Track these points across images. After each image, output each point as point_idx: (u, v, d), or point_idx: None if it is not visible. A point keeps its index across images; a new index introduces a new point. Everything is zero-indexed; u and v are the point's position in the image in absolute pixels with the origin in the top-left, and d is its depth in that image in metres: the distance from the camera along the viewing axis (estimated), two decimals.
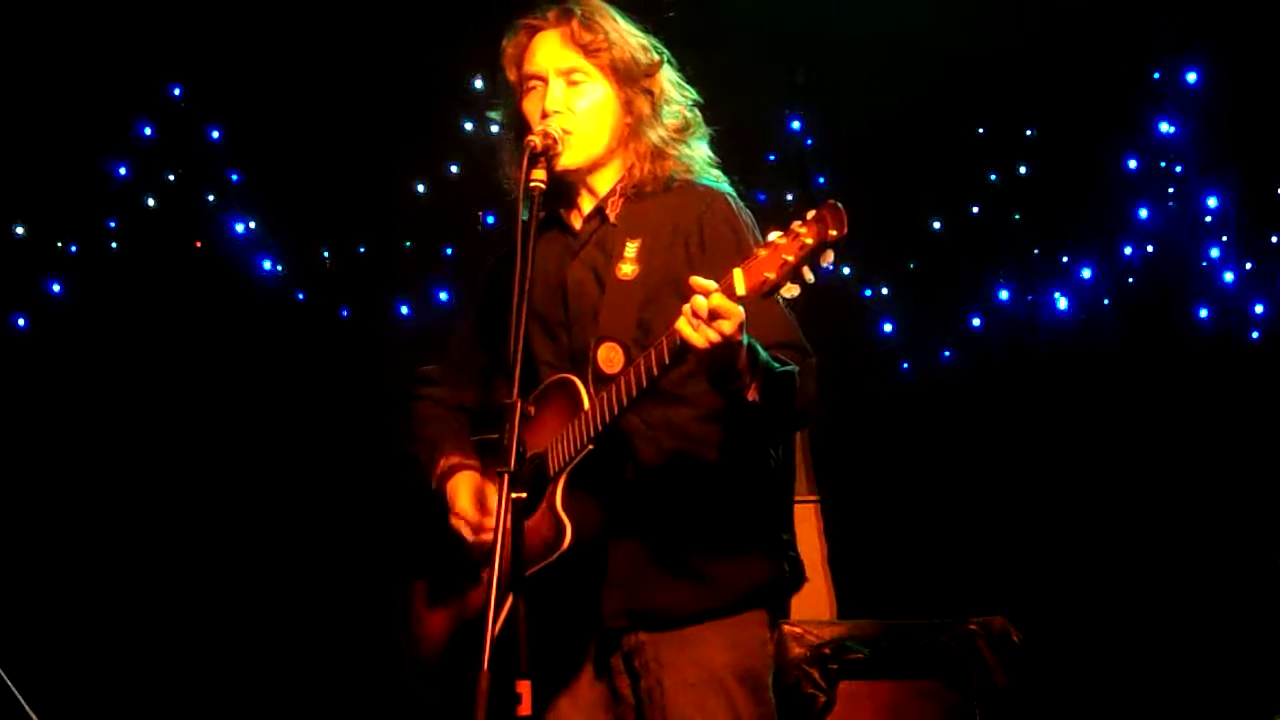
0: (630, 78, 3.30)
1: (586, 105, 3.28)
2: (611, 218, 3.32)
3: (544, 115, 3.24)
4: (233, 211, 5.93)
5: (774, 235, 2.83)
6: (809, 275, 2.79)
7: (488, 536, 3.22)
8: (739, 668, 3.19)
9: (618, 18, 3.36)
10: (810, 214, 2.79)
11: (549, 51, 3.30)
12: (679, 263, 3.22)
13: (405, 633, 3.49)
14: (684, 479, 3.20)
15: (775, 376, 3.02)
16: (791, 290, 2.82)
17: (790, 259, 2.79)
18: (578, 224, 3.37)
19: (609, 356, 3.17)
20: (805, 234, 2.78)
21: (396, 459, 3.57)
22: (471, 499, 3.30)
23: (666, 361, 2.96)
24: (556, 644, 3.23)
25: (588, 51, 3.28)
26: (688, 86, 3.42)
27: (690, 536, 3.19)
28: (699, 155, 3.38)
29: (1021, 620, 5.35)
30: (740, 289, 2.83)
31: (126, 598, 5.76)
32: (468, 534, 3.29)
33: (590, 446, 3.08)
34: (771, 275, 2.80)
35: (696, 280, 2.88)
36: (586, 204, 3.37)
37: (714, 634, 3.19)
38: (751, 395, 3.00)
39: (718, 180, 3.40)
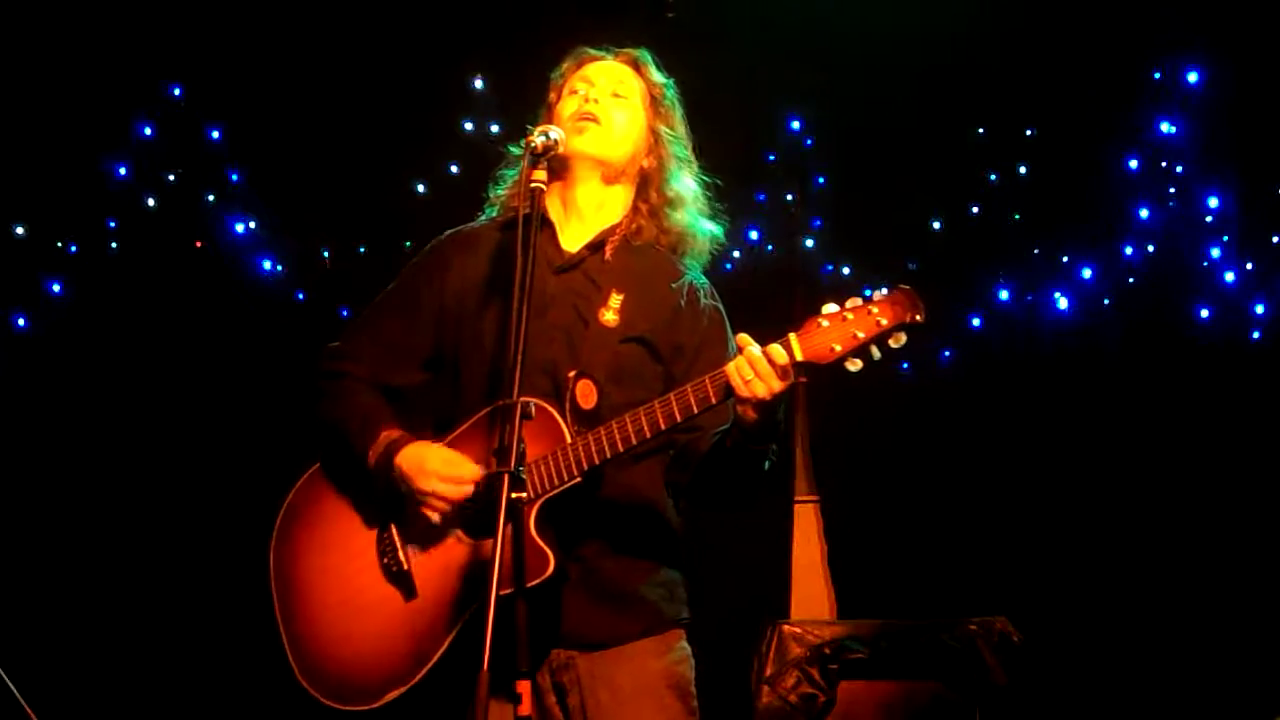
0: (667, 133, 3.42)
1: (622, 120, 3.39)
2: (607, 254, 3.37)
3: (585, 101, 3.35)
4: (233, 211, 5.93)
5: (833, 308, 2.94)
6: (876, 353, 2.92)
7: (469, 489, 3.18)
8: (670, 675, 3.29)
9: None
10: (880, 294, 2.93)
11: (609, 72, 3.43)
12: (662, 330, 3.32)
13: (294, 626, 3.39)
14: (625, 514, 3.27)
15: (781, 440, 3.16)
16: (855, 365, 2.94)
17: (862, 335, 2.92)
18: (568, 245, 3.39)
19: (585, 392, 3.21)
20: (879, 313, 2.91)
21: (312, 431, 3.45)
22: (441, 459, 3.22)
23: (694, 411, 3.03)
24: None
25: (650, 89, 3.43)
26: (711, 176, 3.53)
27: (621, 569, 3.27)
28: (697, 232, 3.46)
29: (1021, 620, 5.35)
30: (799, 354, 2.96)
31: (126, 597, 5.77)
32: (452, 491, 3.19)
33: (579, 479, 3.11)
34: (839, 347, 2.93)
35: (744, 336, 2.98)
36: (583, 230, 3.40)
37: (643, 647, 3.28)
38: (766, 466, 3.15)
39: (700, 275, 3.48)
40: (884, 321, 2.90)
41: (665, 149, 3.43)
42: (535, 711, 3.24)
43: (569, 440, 3.12)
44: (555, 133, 3.21)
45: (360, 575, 3.33)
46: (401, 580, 3.28)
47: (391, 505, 3.31)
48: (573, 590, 3.22)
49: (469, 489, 3.20)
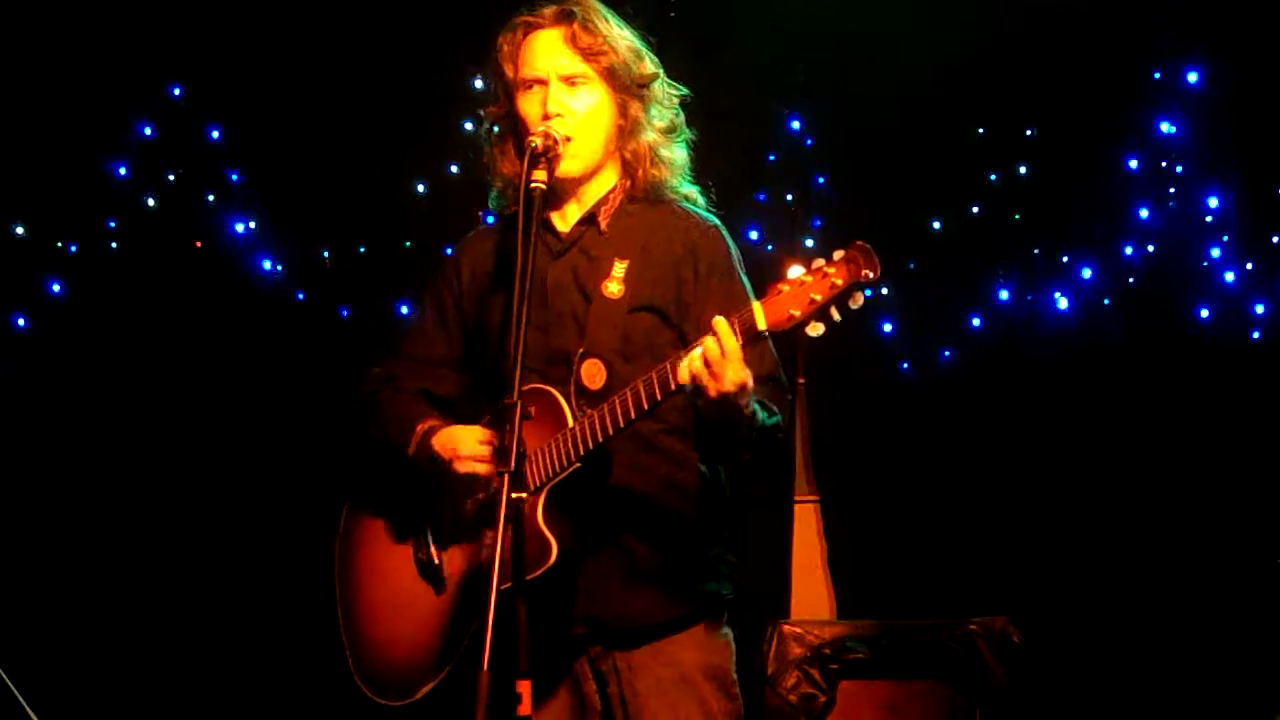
0: (626, 82, 3.30)
1: (585, 109, 3.27)
2: (602, 225, 3.33)
3: (545, 118, 3.23)
4: (233, 211, 5.93)
5: (797, 271, 2.88)
6: (836, 315, 2.86)
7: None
8: (707, 665, 3.27)
9: (611, 19, 3.35)
10: (838, 254, 2.86)
11: (548, 53, 3.29)
12: (668, 292, 3.26)
13: (357, 633, 3.43)
14: (650, 494, 3.24)
15: (766, 431, 3.10)
16: (816, 329, 2.87)
17: (819, 298, 2.85)
18: (562, 226, 3.36)
19: (592, 372, 3.18)
20: (835, 274, 2.84)
21: (362, 447, 3.46)
22: (475, 440, 3.22)
23: (673, 388, 2.98)
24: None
25: (587, 55, 3.27)
26: (675, 85, 3.41)
27: (653, 549, 3.23)
28: (679, 159, 3.39)
29: (1022, 620, 5.35)
30: (761, 324, 2.90)
31: (126, 598, 5.76)
32: (486, 469, 3.18)
33: (578, 464, 3.09)
34: (797, 313, 2.87)
35: (720, 322, 2.91)
36: (575, 207, 3.36)
37: (680, 636, 3.25)
38: (745, 458, 3.11)
39: (696, 203, 3.40)
40: (839, 282, 2.83)
41: (632, 103, 3.31)
42: (573, 698, 3.28)
43: (570, 425, 3.11)
44: (556, 133, 3.21)
45: (402, 571, 3.36)
46: (432, 574, 3.31)
47: (428, 499, 3.33)
48: (609, 576, 3.21)
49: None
